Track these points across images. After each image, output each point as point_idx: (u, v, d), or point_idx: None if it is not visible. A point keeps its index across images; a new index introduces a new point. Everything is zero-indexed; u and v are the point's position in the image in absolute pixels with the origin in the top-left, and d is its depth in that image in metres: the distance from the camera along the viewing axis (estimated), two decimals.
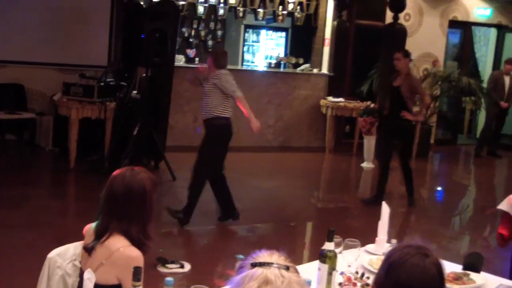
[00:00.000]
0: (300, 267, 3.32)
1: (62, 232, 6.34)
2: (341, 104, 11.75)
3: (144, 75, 9.07)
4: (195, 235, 7.04)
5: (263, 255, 1.75)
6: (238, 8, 12.36)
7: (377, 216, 3.74)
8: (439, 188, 10.86)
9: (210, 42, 13.93)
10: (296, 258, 3.55)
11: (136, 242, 2.85)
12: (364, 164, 11.04)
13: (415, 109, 8.65)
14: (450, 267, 3.45)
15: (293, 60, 12.94)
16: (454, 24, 13.63)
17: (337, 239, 3.12)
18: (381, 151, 8.76)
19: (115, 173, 2.95)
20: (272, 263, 1.72)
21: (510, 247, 5.57)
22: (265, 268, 1.71)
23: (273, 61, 13.36)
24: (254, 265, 1.72)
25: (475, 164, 12.94)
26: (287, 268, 1.74)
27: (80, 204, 7.78)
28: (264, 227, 7.51)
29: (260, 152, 11.41)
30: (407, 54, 8.45)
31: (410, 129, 8.58)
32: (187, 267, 5.73)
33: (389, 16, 11.57)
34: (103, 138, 9.24)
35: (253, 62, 14.33)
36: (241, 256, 2.24)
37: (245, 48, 14.54)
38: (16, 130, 9.75)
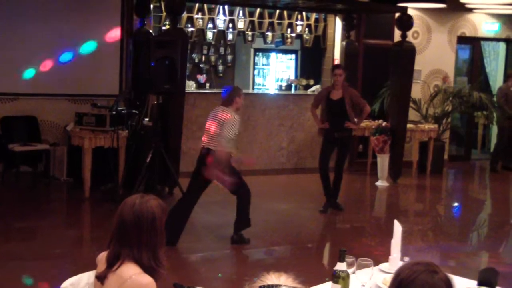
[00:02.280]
0: None
1: (78, 262, 6.37)
2: None
3: (155, 102, 9.13)
4: (211, 259, 7.03)
5: (271, 278, 1.76)
6: (246, 32, 12.44)
7: (392, 235, 3.72)
8: (455, 204, 10.81)
9: (220, 67, 14.02)
10: (314, 279, 3.54)
11: (148, 269, 2.86)
12: (379, 183, 11.02)
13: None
14: (465, 283, 3.44)
15: (304, 82, 12.98)
16: (462, 40, 13.64)
17: (350, 259, 3.12)
18: (322, 160, 9.00)
19: (125, 200, 2.97)
20: (280, 285, 1.73)
21: None
22: None
23: (284, 84, 13.41)
24: (262, 287, 1.73)
25: (490, 179, 12.87)
26: None
27: (95, 233, 7.80)
28: (280, 249, 7.50)
29: (274, 175, 11.42)
30: (345, 69, 9.05)
31: (350, 139, 9.28)
32: None
33: (397, 34, 11.59)
34: (117, 166, 9.28)
35: (264, 85, 14.38)
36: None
37: (256, 72, 14.60)
38: (31, 161, 9.80)
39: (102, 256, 3.02)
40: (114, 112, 9.10)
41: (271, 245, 7.56)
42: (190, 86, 11.77)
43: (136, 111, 9.24)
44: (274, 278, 1.77)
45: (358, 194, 10.96)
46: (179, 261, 6.78)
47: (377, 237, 8.00)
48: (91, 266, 3.30)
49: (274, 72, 14.54)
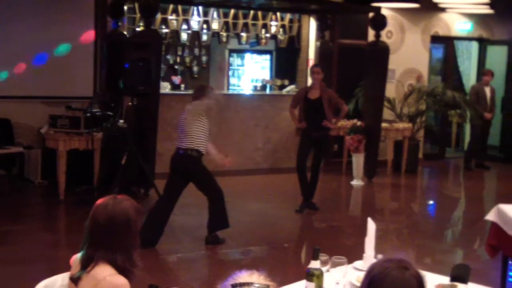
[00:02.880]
0: (288, 287, 3.36)
1: (53, 265, 6.32)
2: None
3: (130, 104, 9.10)
4: (188, 261, 7.03)
5: (243, 276, 1.77)
6: (221, 33, 12.44)
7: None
8: (430, 202, 10.90)
9: (195, 68, 13.99)
10: (291, 278, 3.55)
11: (122, 270, 2.86)
12: (354, 182, 11.07)
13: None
14: (438, 280, 3.47)
15: (279, 82, 13.01)
16: (436, 39, 13.76)
17: (324, 257, 3.14)
18: (300, 159, 9.05)
19: (98, 202, 2.97)
20: (252, 283, 1.74)
21: (500, 257, 5.61)
22: None
23: (259, 84, 13.43)
24: (234, 286, 1.74)
25: (464, 177, 13.00)
26: (267, 287, 1.76)
27: (71, 236, 7.76)
28: (257, 250, 7.51)
29: (250, 175, 11.43)
30: (323, 69, 9.11)
31: (329, 138, 9.46)
32: None
33: (371, 34, 11.66)
34: (92, 168, 9.24)
35: (239, 86, 14.37)
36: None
37: (230, 73, 14.58)
38: (5, 164, 9.72)
39: (76, 258, 3.01)
40: (88, 114, 9.05)
41: (247, 245, 7.57)
42: (165, 87, 11.74)
43: (111, 113, 9.20)
44: (246, 276, 1.78)
45: (333, 193, 11.00)
46: (155, 263, 6.77)
47: (353, 236, 8.04)
48: (67, 269, 3.29)
49: (249, 73, 14.53)
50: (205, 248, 7.28)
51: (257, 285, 1.75)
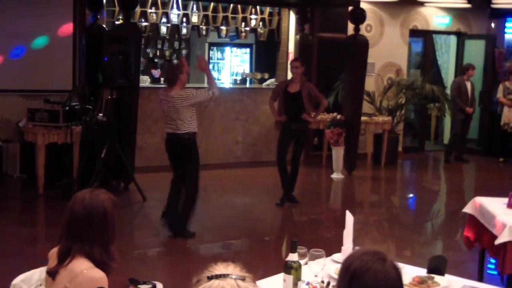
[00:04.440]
0: (266, 280, 3.37)
1: (32, 259, 6.28)
2: None
3: (109, 97, 9.06)
4: (167, 254, 7.03)
5: (219, 267, 1.78)
6: (201, 26, 12.40)
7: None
8: (410, 195, 10.97)
9: (175, 62, 13.94)
10: (273, 271, 3.55)
11: (99, 263, 2.85)
12: (334, 175, 11.10)
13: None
14: (415, 271, 3.50)
15: (259, 76, 13.02)
16: (415, 33, 13.82)
17: (302, 249, 3.15)
18: (280, 152, 9.07)
19: (75, 195, 2.96)
20: (228, 275, 1.75)
21: (477, 249, 5.67)
22: (221, 280, 1.73)
23: (239, 78, 13.42)
24: (210, 277, 1.74)
25: (444, 170, 13.09)
26: (243, 279, 1.76)
27: (50, 230, 7.71)
28: (238, 243, 7.53)
29: (230, 169, 11.44)
30: (303, 63, 9.11)
31: (307, 132, 9.48)
32: (160, 287, 5.72)
33: (350, 28, 11.69)
34: (71, 162, 9.19)
35: (219, 80, 14.35)
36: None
37: (211, 66, 14.56)
38: None
39: (54, 252, 3.00)
40: (67, 108, 9.00)
41: (228, 239, 7.58)
42: (145, 81, 11.70)
43: (90, 106, 9.15)
44: (222, 268, 1.78)
45: (313, 186, 11.03)
46: (134, 256, 6.76)
47: (333, 229, 8.07)
48: (45, 263, 3.28)
49: (229, 67, 14.53)
50: (185, 241, 7.27)
51: (233, 277, 1.76)
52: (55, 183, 9.16)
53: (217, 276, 1.74)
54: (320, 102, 9.13)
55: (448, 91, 13.57)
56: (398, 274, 2.12)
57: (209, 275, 1.75)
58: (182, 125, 7.08)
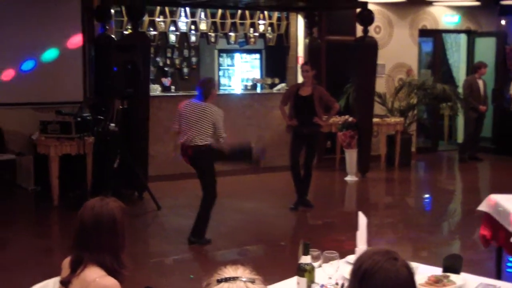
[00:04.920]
0: (280, 283, 3.35)
1: (47, 270, 6.28)
2: None
3: (120, 107, 9.08)
4: (183, 262, 7.02)
5: (228, 271, 1.77)
6: (209, 33, 12.42)
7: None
8: (425, 196, 10.91)
9: (185, 70, 13.97)
10: (289, 276, 3.53)
11: (111, 271, 2.85)
12: (348, 178, 11.07)
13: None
14: (431, 271, 3.47)
15: (269, 81, 13.00)
16: (424, 32, 13.77)
17: (315, 252, 3.13)
18: (293, 157, 9.08)
19: (84, 204, 2.96)
20: (237, 277, 1.74)
21: (494, 247, 5.62)
22: (231, 283, 1.72)
23: (249, 83, 13.42)
24: (220, 280, 1.73)
25: (459, 169, 13.02)
26: (253, 281, 1.75)
27: (65, 241, 7.69)
28: (253, 248, 7.50)
29: (242, 175, 11.41)
30: (313, 67, 9.05)
31: (319, 135, 9.46)
32: None
33: (359, 30, 11.66)
34: (85, 173, 9.21)
35: (230, 86, 14.36)
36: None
37: (221, 73, 14.57)
38: None
39: (66, 261, 3.00)
40: (79, 119, 9.04)
41: (243, 244, 7.56)
42: (155, 89, 11.72)
43: (102, 117, 9.18)
44: (232, 271, 1.77)
45: (327, 190, 10.99)
46: (150, 265, 6.75)
47: (348, 231, 7.99)
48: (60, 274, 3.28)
49: (239, 73, 14.53)
50: (200, 249, 7.26)
51: (243, 279, 1.74)
52: (69, 194, 9.18)
53: (227, 279, 1.73)
54: (331, 106, 9.07)
55: (460, 90, 13.50)
56: (410, 273, 2.10)
57: (218, 278, 1.74)
58: (200, 136, 7.14)
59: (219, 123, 7.16)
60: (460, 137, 14.23)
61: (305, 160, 9.17)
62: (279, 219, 8.75)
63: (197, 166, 7.36)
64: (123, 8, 10.81)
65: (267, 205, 9.41)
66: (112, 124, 9.29)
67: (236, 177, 11.12)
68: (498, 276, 5.42)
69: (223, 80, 14.49)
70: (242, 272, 1.78)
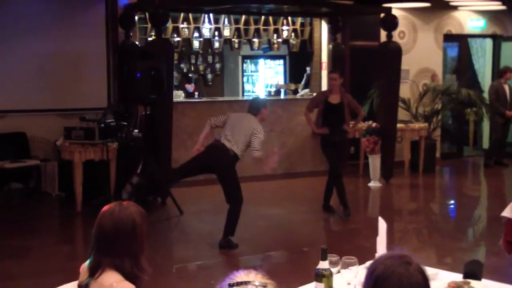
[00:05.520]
0: None
1: (71, 276, 6.32)
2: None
3: (143, 113, 9.13)
4: (206, 268, 7.01)
5: (240, 275, 1.76)
6: (233, 39, 12.45)
7: (387, 234, 3.71)
8: (450, 202, 10.81)
9: (209, 76, 14.03)
10: (310, 282, 3.51)
11: (129, 276, 2.85)
12: (372, 184, 11.02)
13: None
14: (451, 277, 3.44)
15: (293, 87, 13.01)
16: (449, 37, 13.68)
17: (334, 257, 3.12)
18: (335, 166, 8.99)
19: (103, 209, 2.97)
20: (249, 282, 1.73)
21: None
22: (243, 287, 1.72)
23: (273, 89, 13.43)
24: (231, 285, 1.72)
25: (484, 175, 12.89)
26: (265, 286, 1.74)
27: (88, 247, 7.73)
28: (277, 255, 7.48)
29: (265, 181, 11.40)
30: (342, 74, 9.10)
31: (347, 142, 9.49)
32: None
33: (383, 35, 11.62)
34: (108, 179, 9.27)
35: (254, 92, 14.39)
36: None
37: (245, 79, 14.62)
38: (21, 178, 9.79)
39: (85, 266, 3.02)
40: (102, 125, 9.10)
41: (266, 250, 7.54)
42: (179, 95, 11.78)
43: (125, 123, 9.24)
44: (244, 275, 1.76)
45: (351, 196, 10.85)
46: (173, 271, 6.77)
47: (372, 237, 7.89)
48: None
49: (263, 79, 14.56)
50: (223, 254, 7.27)
51: (256, 284, 1.74)
52: (92, 200, 9.23)
53: (239, 284, 1.72)
54: (358, 112, 9.10)
55: (485, 95, 13.38)
56: (424, 278, 2.07)
57: (230, 282, 1.74)
58: (236, 144, 7.32)
59: (258, 138, 7.36)
60: (485, 142, 14.09)
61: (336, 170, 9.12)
62: (302, 225, 8.72)
63: (219, 170, 7.42)
64: (147, 15, 10.89)
65: (290, 211, 9.39)
66: (136, 130, 9.35)
67: (259, 183, 11.12)
68: None
69: (247, 86, 14.54)
70: (254, 276, 1.77)
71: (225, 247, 7.36)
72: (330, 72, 9.44)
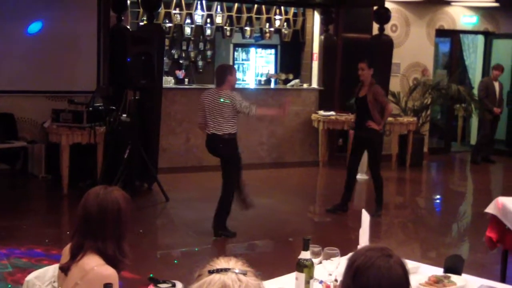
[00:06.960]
0: (279, 278, 3.34)
1: (57, 259, 6.32)
2: (333, 117, 11.76)
3: (132, 98, 9.10)
4: (191, 255, 7.02)
5: (220, 262, 1.77)
6: (225, 27, 12.42)
7: (372, 227, 3.73)
8: (436, 197, 10.85)
9: (200, 63, 13.98)
10: (293, 271, 3.52)
11: (111, 260, 2.85)
12: (358, 176, 11.00)
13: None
14: (432, 271, 3.46)
15: (283, 76, 12.99)
16: (441, 33, 13.70)
17: (316, 248, 3.12)
18: (350, 160, 8.89)
19: (88, 192, 2.96)
20: (229, 269, 1.73)
21: (501, 250, 5.58)
22: (222, 274, 1.72)
23: (263, 78, 13.40)
24: (211, 272, 1.73)
25: (471, 171, 12.94)
26: (245, 273, 1.75)
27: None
28: (262, 243, 7.51)
29: (254, 169, 11.40)
30: (371, 65, 8.44)
31: (376, 139, 8.55)
32: (179, 286, 5.70)
33: (375, 28, 11.62)
34: (95, 162, 9.24)
35: (244, 81, 14.36)
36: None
37: (236, 67, 14.55)
38: (8, 159, 9.75)
39: (67, 248, 3.02)
40: (91, 109, 9.07)
41: (252, 239, 7.57)
42: (169, 81, 11.73)
43: (114, 107, 9.21)
44: (224, 262, 1.77)
45: (338, 187, 10.91)
46: (157, 257, 6.77)
47: (357, 230, 7.95)
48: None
49: (254, 67, 14.52)
50: (208, 242, 7.27)
51: (236, 271, 1.74)
52: (79, 183, 9.21)
53: (218, 270, 1.73)
54: (384, 107, 8.44)
55: (475, 91, 13.42)
56: (404, 271, 2.08)
57: (210, 269, 1.74)
58: (223, 125, 7.12)
59: (239, 103, 7.09)
60: (474, 138, 14.15)
61: (368, 165, 9.09)
62: (288, 215, 8.74)
63: (220, 155, 7.35)
64: None
65: (277, 201, 9.41)
66: (124, 115, 9.32)
67: (248, 172, 11.09)
68: (503, 279, 5.39)
69: (237, 75, 14.48)
70: (234, 263, 1.77)
71: (220, 235, 7.37)
72: (359, 62, 8.65)
